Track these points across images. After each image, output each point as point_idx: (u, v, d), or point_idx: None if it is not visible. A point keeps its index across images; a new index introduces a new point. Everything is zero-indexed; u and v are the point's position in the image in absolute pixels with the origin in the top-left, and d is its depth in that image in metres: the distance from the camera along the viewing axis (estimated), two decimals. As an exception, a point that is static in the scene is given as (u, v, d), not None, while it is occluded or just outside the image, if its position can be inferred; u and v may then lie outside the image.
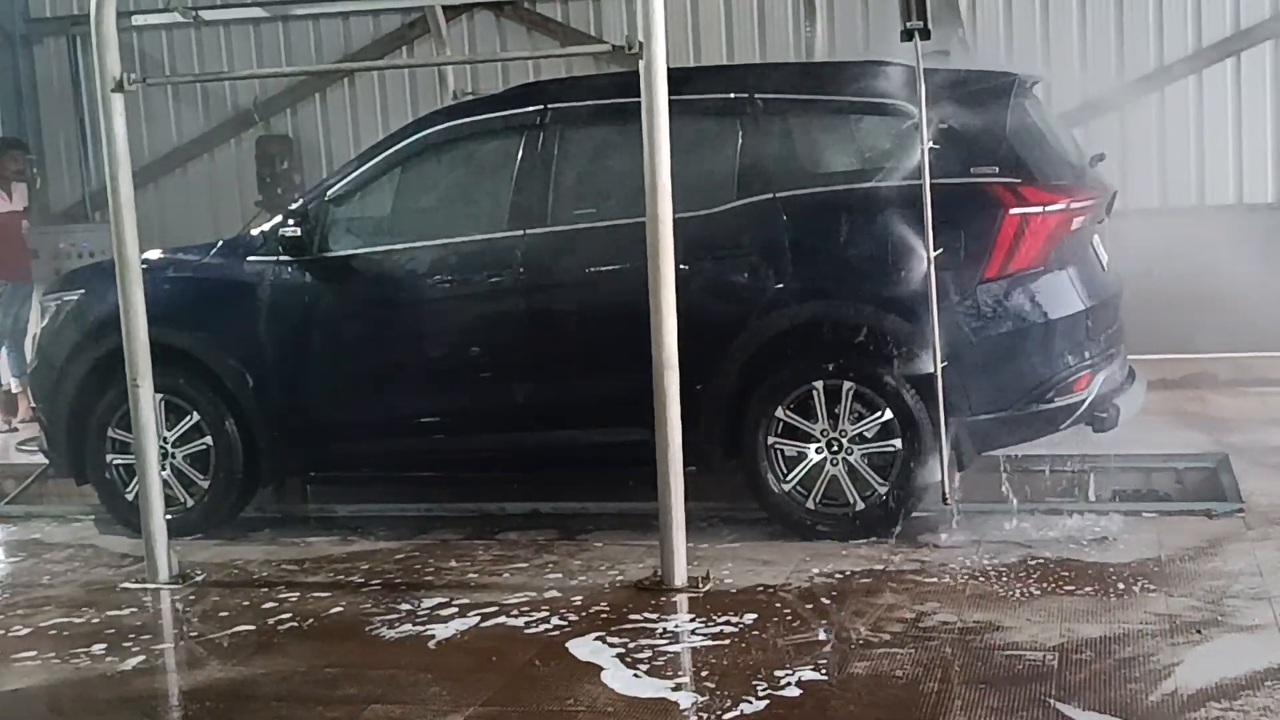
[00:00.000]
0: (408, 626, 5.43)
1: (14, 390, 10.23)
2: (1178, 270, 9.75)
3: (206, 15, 11.42)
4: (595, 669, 4.84)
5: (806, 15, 10.19)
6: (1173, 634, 4.92)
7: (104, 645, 5.40)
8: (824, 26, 10.22)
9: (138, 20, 11.34)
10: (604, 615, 5.42)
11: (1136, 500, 7.16)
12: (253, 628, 5.54)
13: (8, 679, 5.10)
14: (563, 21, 11.16)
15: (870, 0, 10.54)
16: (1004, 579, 5.61)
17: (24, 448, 9.23)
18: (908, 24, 5.66)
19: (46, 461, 7.63)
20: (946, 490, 5.97)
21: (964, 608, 5.30)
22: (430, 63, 11.32)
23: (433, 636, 5.30)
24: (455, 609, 5.60)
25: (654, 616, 5.36)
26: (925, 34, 5.66)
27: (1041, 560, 5.84)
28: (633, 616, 5.37)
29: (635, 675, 4.77)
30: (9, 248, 10.17)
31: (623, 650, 5.00)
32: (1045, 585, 5.51)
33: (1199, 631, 4.92)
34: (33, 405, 7.86)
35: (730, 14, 10.82)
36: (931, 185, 6.17)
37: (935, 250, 5.89)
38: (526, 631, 5.30)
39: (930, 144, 5.86)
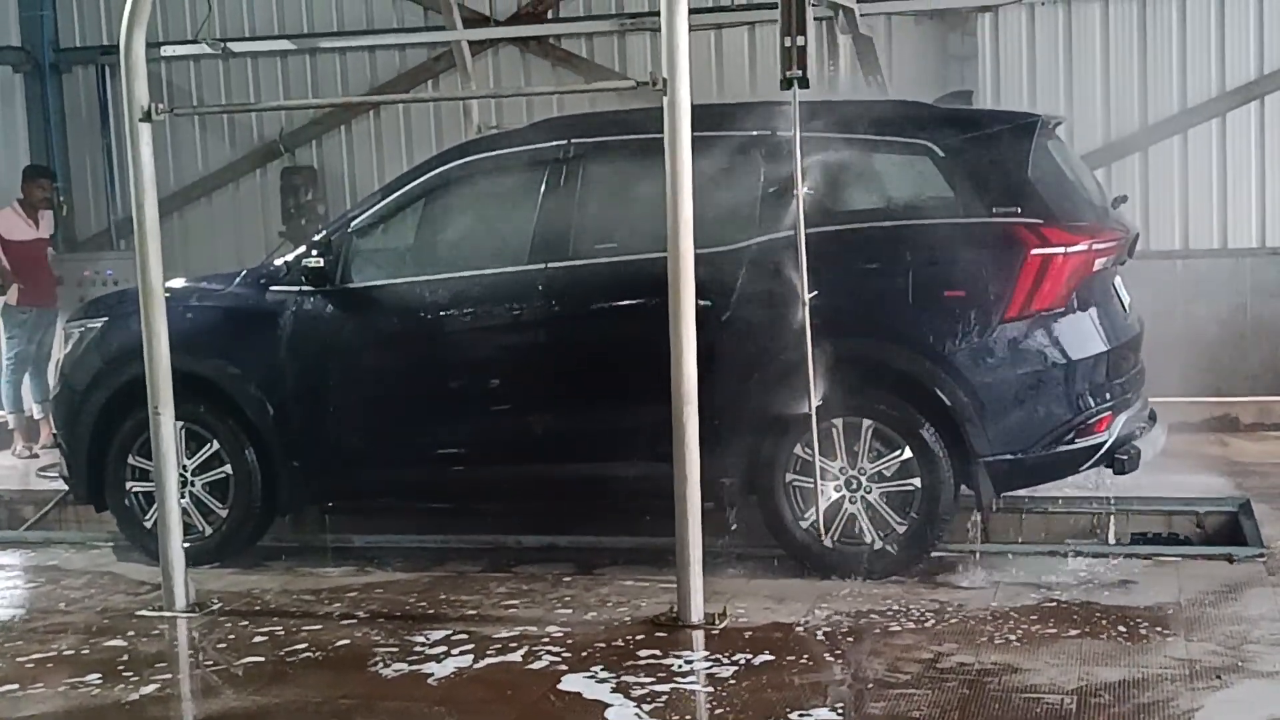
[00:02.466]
0: (421, 659, 5.41)
1: (36, 416, 10.28)
2: (1199, 313, 9.74)
3: (234, 47, 11.52)
4: (607, 706, 4.82)
5: (829, 53, 10.22)
6: (1192, 679, 4.88)
7: (120, 672, 5.40)
8: (847, 64, 10.25)
9: (166, 51, 11.44)
10: (619, 651, 5.40)
11: (1156, 543, 7.12)
12: (268, 657, 5.54)
13: (24, 705, 5.11)
14: (587, 57, 11.22)
15: (892, 39, 10.58)
16: (1022, 621, 5.58)
17: (44, 473, 9.27)
18: (788, 73, 5.76)
19: (66, 487, 7.65)
20: (823, 532, 6.07)
21: (982, 649, 5.27)
22: (455, 96, 11.39)
23: (446, 669, 5.29)
24: (469, 642, 5.58)
25: (669, 653, 5.34)
26: (804, 83, 5.75)
27: (1060, 602, 5.81)
28: (647, 653, 5.35)
29: (648, 714, 4.75)
30: (35, 274, 10.23)
31: (636, 688, 4.98)
32: (1064, 628, 5.48)
33: (1219, 677, 4.89)
34: (54, 431, 7.89)
35: (754, 50, 10.86)
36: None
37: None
38: (541, 666, 5.28)
39: (807, 189, 5.88)
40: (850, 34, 9.50)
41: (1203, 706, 4.62)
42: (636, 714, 4.74)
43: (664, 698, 4.88)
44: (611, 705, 4.83)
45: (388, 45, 11.62)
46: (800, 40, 5.74)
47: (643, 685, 5.00)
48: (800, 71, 5.70)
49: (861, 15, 9.50)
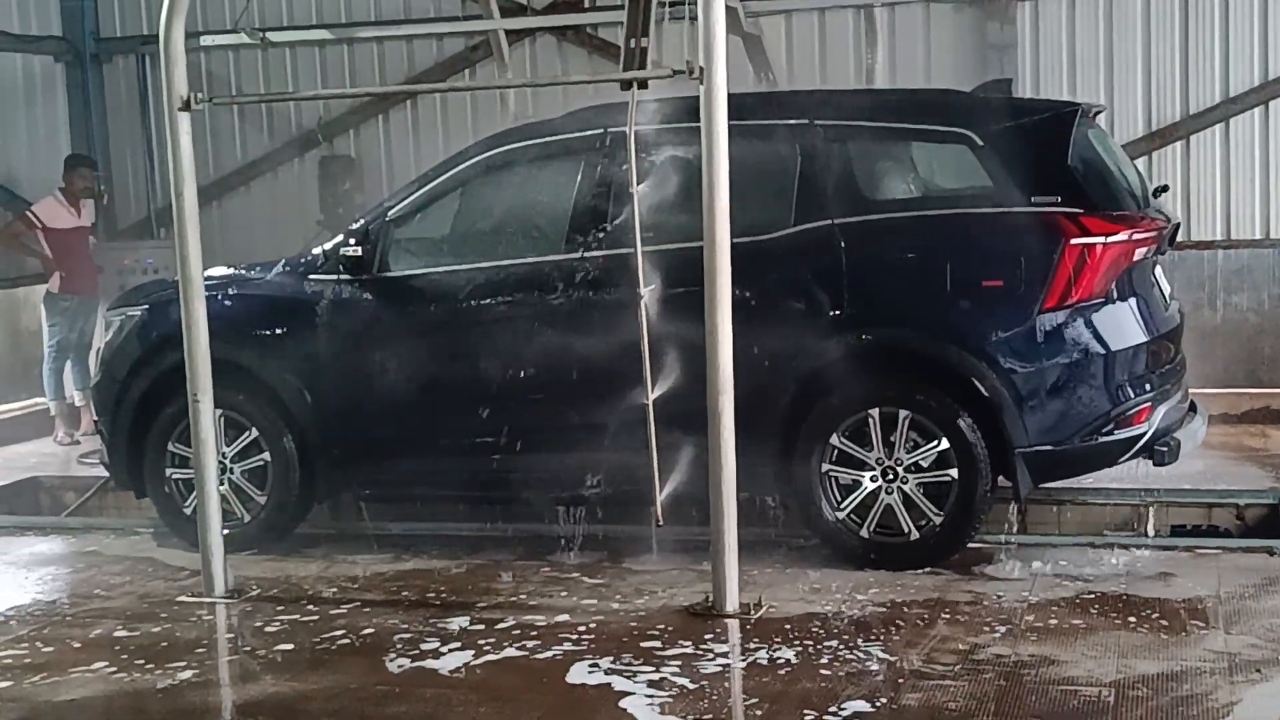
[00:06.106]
0: (457, 646, 5.44)
1: (77, 403, 10.38)
2: (1240, 303, 9.65)
3: (273, 37, 11.53)
4: (639, 695, 4.83)
5: (867, 42, 10.18)
6: (1231, 672, 4.84)
7: (159, 658, 5.45)
8: (885, 53, 10.20)
9: (206, 41, 11.48)
10: (653, 640, 5.40)
11: (1196, 535, 7.06)
12: (305, 643, 5.58)
13: (64, 689, 5.16)
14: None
15: (931, 28, 10.52)
16: (1060, 612, 5.55)
17: (85, 460, 9.36)
18: (628, 75, 5.70)
19: (107, 474, 7.72)
20: (659, 514, 5.84)
21: (1019, 641, 5.25)
22: (492, 85, 11.37)
23: (482, 657, 5.31)
24: (505, 630, 5.60)
25: (703, 643, 5.34)
26: (643, 84, 5.67)
27: (1098, 594, 5.78)
28: (681, 643, 5.35)
29: (681, 704, 4.75)
30: (76, 263, 10.33)
31: (669, 677, 4.99)
32: (1102, 620, 5.45)
33: (1258, 670, 4.85)
34: (94, 418, 7.96)
35: (791, 40, 10.82)
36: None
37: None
38: (574, 655, 5.29)
39: (638, 185, 5.71)
40: (737, 33, 9.46)
41: (1241, 700, 4.59)
42: (669, 703, 4.74)
43: (697, 687, 4.88)
44: (643, 694, 4.83)
45: (425, 35, 11.63)
46: (644, 42, 5.70)
47: (676, 674, 5.01)
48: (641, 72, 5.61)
49: (747, 15, 9.49)
